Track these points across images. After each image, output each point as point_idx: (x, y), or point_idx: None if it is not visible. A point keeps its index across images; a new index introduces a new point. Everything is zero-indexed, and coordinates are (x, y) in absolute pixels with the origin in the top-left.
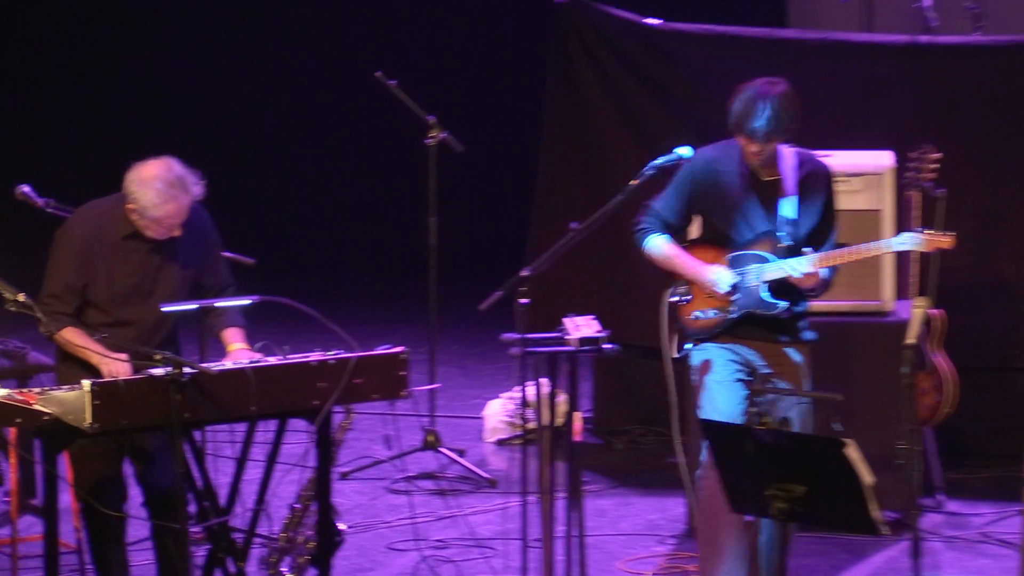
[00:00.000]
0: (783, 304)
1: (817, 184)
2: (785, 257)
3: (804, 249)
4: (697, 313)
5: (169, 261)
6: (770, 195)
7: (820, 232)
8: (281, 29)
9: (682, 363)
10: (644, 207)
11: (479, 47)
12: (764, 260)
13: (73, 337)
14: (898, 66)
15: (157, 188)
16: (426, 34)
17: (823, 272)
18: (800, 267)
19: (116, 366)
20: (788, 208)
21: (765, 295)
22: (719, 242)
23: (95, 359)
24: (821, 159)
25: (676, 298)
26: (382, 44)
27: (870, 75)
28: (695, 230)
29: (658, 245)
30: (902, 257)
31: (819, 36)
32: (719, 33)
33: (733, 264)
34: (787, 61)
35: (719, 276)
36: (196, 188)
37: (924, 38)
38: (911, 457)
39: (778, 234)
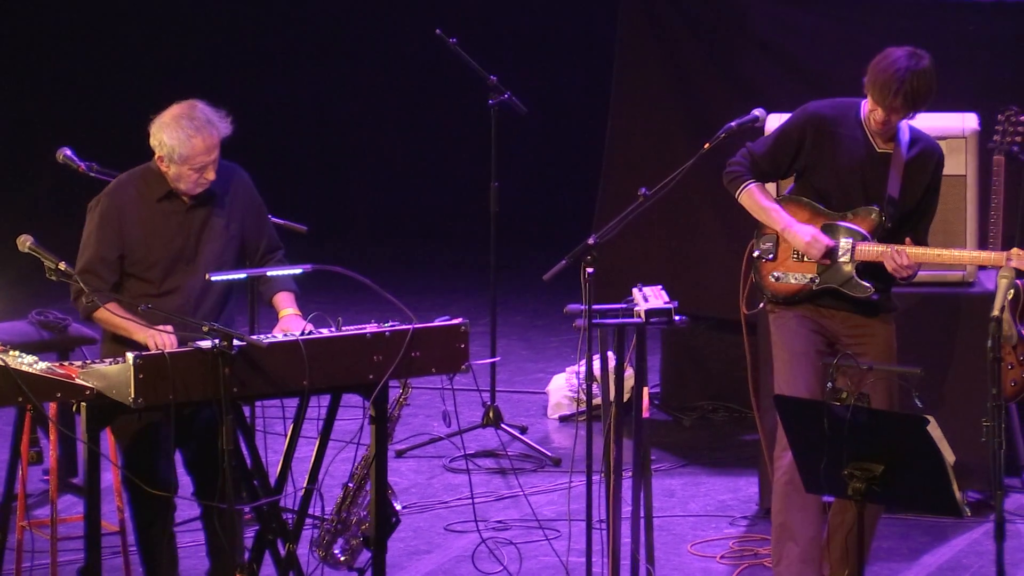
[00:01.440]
0: (871, 288)
1: (926, 165)
2: (884, 238)
3: (907, 239)
4: (778, 274)
5: (210, 222)
6: (881, 168)
7: (917, 215)
8: None
9: (757, 326)
10: (744, 149)
11: (544, 3)
12: (862, 238)
13: (113, 313)
14: (986, 24)
15: (182, 124)
16: None
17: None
18: (899, 259)
19: (162, 338)
20: (895, 186)
21: (856, 275)
22: (816, 205)
23: (139, 334)
24: (934, 140)
25: (758, 252)
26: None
27: (956, 33)
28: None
29: (753, 193)
30: (986, 226)
31: None
32: None
33: (826, 233)
34: (869, 19)
35: (817, 238)
36: (223, 125)
37: None
38: (995, 434)
39: (882, 213)
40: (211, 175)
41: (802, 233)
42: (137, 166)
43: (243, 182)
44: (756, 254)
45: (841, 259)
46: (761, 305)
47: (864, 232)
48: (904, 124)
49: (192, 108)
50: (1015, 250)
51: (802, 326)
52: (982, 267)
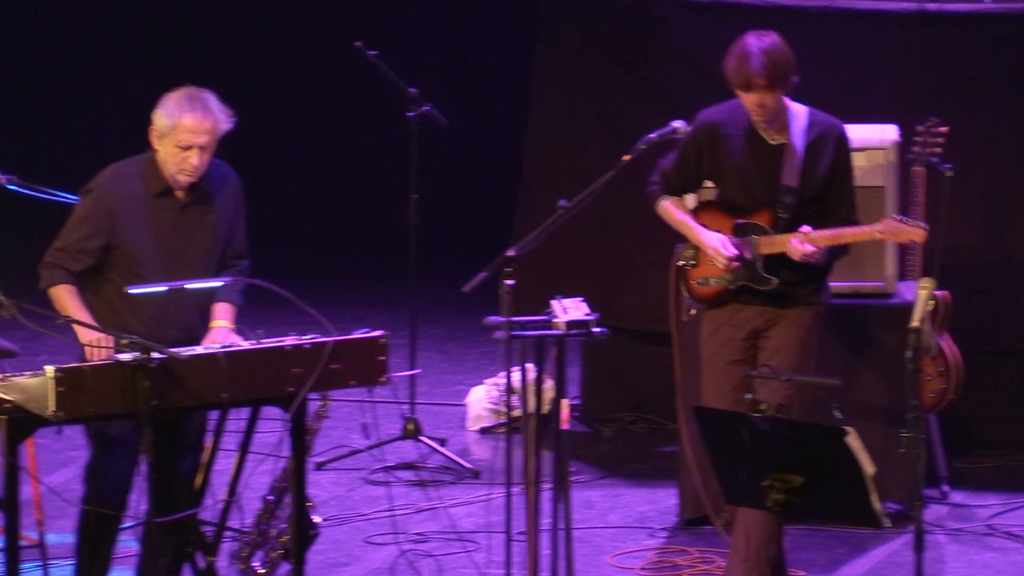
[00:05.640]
0: (775, 280)
1: (826, 147)
2: (786, 229)
3: (803, 228)
4: (701, 279)
5: (201, 221)
6: (774, 160)
7: (830, 198)
8: None
9: (686, 332)
10: (656, 167)
11: (464, 16)
12: (763, 232)
13: (65, 299)
14: (904, 35)
15: (180, 99)
16: (408, 3)
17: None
18: (798, 245)
19: (103, 354)
20: (791, 175)
21: (760, 269)
22: (728, 207)
23: (84, 338)
24: (834, 119)
25: (682, 262)
26: (362, 13)
27: (875, 45)
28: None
29: (666, 208)
30: None
31: (821, 4)
32: (717, 0)
33: (738, 232)
34: (788, 30)
35: (719, 247)
36: (223, 118)
37: (932, 5)
38: (915, 446)
39: (778, 205)
40: (195, 160)
41: (707, 242)
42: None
43: (234, 184)
44: (681, 263)
45: (749, 256)
46: (693, 312)
47: (764, 226)
48: (799, 110)
49: (198, 91)
50: (886, 221)
51: (723, 334)
52: (904, 279)
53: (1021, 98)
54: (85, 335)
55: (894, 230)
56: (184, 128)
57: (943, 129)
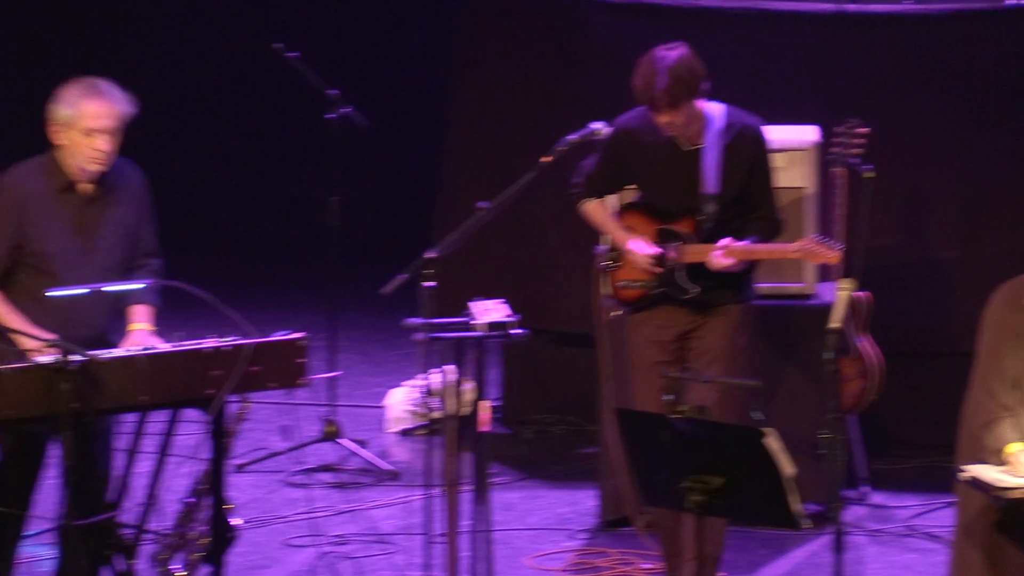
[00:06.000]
0: (696, 289)
1: (742, 147)
2: (708, 235)
3: (723, 241)
4: (624, 282)
5: (107, 216)
6: (692, 167)
7: (750, 198)
8: None
9: (600, 338)
10: (578, 169)
11: (384, 18)
12: (685, 239)
13: None
14: (824, 36)
15: (77, 87)
16: (328, 4)
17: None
18: (718, 257)
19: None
20: (710, 182)
21: (680, 278)
22: (651, 210)
23: (26, 345)
24: (752, 118)
25: (605, 263)
26: (281, 13)
27: (795, 45)
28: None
29: (590, 212)
30: (829, 237)
31: (741, 5)
32: (637, 1)
33: (661, 237)
34: (708, 31)
35: (640, 254)
36: (124, 101)
37: (852, 7)
38: (834, 447)
39: (699, 212)
40: (103, 145)
41: (629, 248)
42: (34, 156)
43: (138, 180)
44: (605, 263)
45: (670, 263)
46: (621, 312)
47: (687, 233)
48: (717, 111)
49: (94, 79)
50: (801, 241)
51: (645, 336)
52: (824, 279)
53: (941, 99)
54: (27, 343)
55: (808, 251)
56: (87, 114)
57: (863, 130)
